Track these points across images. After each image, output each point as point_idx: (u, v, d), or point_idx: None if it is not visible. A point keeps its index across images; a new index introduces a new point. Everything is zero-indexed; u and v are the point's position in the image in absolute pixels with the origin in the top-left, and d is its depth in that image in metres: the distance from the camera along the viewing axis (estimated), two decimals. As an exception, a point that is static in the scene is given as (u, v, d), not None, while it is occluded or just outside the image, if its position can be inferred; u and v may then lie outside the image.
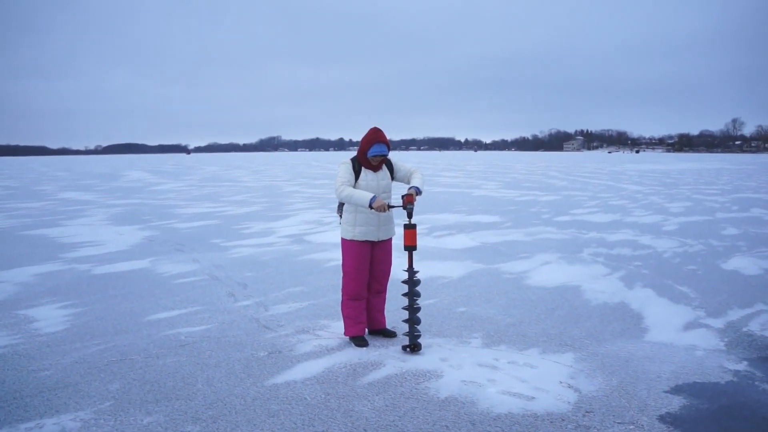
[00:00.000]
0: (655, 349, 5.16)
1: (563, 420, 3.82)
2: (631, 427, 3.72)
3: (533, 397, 4.17)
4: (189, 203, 19.78)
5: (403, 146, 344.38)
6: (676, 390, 4.28)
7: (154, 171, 49.79)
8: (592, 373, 4.62)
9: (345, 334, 5.38)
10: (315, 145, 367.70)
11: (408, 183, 5.39)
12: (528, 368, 4.71)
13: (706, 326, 5.82)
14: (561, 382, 4.43)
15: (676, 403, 4.07)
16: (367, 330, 5.60)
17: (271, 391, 4.29)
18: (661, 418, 3.83)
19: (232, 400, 4.15)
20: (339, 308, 5.43)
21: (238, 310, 6.45)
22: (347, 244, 5.29)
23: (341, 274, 5.39)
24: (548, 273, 8.29)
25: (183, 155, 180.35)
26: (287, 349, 5.20)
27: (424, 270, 8.25)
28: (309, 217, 15.55)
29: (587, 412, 3.93)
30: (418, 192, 5.17)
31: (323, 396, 4.21)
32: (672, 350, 5.14)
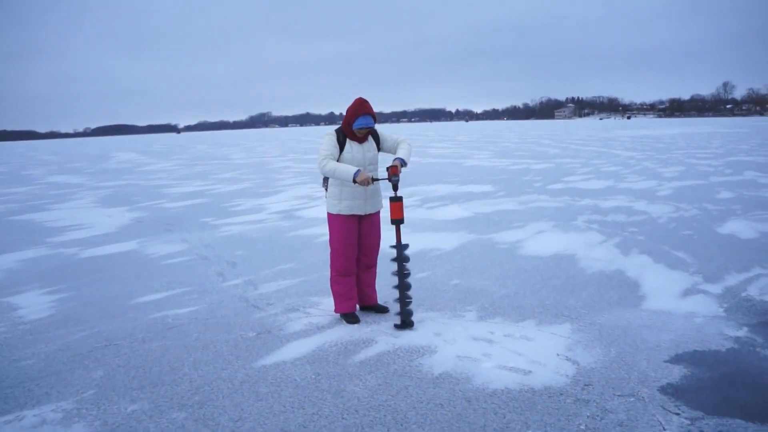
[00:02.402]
0: (654, 318, 5.04)
1: (561, 394, 3.70)
2: (632, 399, 3.61)
3: (530, 371, 4.05)
4: (178, 183, 19.53)
5: (394, 119, 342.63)
6: (676, 359, 4.17)
7: (143, 151, 49.29)
8: (589, 344, 4.50)
9: (335, 311, 5.24)
10: (306, 120, 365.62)
11: (395, 154, 5.20)
12: (524, 341, 4.59)
13: (705, 292, 5.71)
14: (558, 355, 4.31)
15: (676, 372, 3.96)
16: (358, 306, 5.47)
17: (260, 373, 4.15)
18: (662, 389, 3.72)
19: (219, 384, 4.01)
20: (329, 285, 5.29)
21: (226, 290, 6.30)
22: (333, 219, 5.12)
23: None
24: (543, 242, 8.16)
25: (173, 135, 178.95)
26: (276, 328, 5.07)
27: (416, 242, 8.12)
28: (299, 192, 15.35)
29: (586, 385, 3.82)
30: (403, 163, 4.98)
31: (313, 376, 4.08)
32: (670, 318, 5.03)
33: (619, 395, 3.66)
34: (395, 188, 4.89)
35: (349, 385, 3.94)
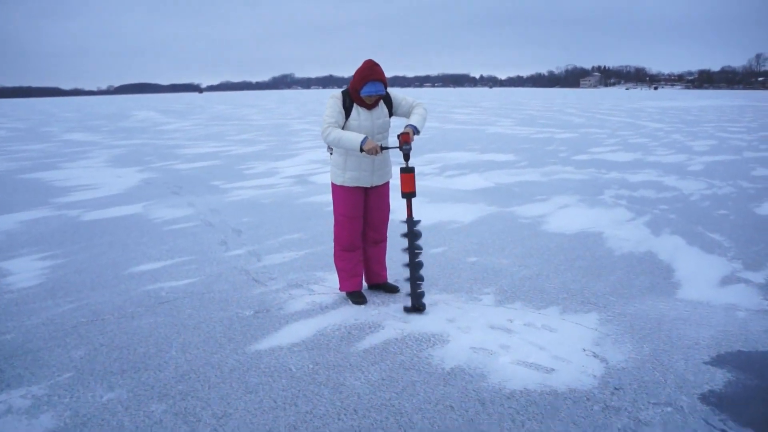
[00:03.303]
0: (690, 309, 4.57)
1: (588, 399, 3.26)
2: (669, 409, 3.16)
3: (553, 369, 3.61)
4: (193, 143, 19.15)
5: (417, 83, 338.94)
6: (719, 361, 3.71)
7: (163, 110, 48.94)
8: (619, 338, 4.05)
9: (340, 289, 4.82)
10: (329, 82, 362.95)
11: (408, 119, 4.66)
12: (546, 332, 4.15)
13: (746, 281, 5.21)
14: (584, 350, 3.87)
15: (719, 378, 3.50)
16: (366, 284, 5.05)
17: (253, 360, 3.77)
18: (704, 398, 3.26)
19: (206, 371, 3.63)
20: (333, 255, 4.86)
21: (228, 261, 5.91)
22: (337, 190, 4.65)
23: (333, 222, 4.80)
24: (567, 218, 7.66)
25: (195, 94, 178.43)
26: (276, 307, 4.67)
27: (432, 214, 7.67)
28: (315, 156, 14.90)
29: (616, 389, 3.38)
30: (416, 131, 4.46)
31: (311, 366, 3.68)
32: (709, 310, 4.55)
33: (654, 403, 3.22)
34: (407, 158, 4.41)
35: (350, 378, 3.54)
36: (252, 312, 4.57)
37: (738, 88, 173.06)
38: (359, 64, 4.41)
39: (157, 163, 14.00)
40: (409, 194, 4.41)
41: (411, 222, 4.45)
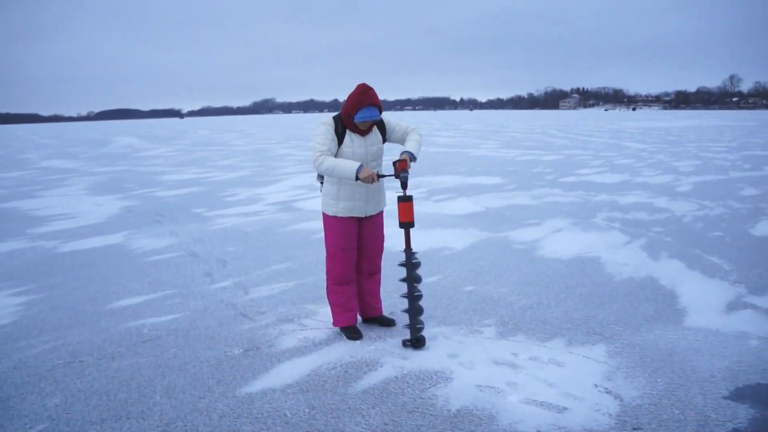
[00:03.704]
0: (700, 338, 4.38)
1: (607, 443, 3.04)
2: (695, 452, 2.95)
3: (565, 408, 3.39)
4: (175, 169, 18.85)
5: (398, 106, 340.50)
6: (738, 395, 3.51)
7: (144, 136, 48.49)
8: (631, 372, 3.84)
9: (333, 324, 4.57)
10: (309, 106, 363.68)
11: (403, 145, 4.46)
12: (554, 366, 3.93)
13: (753, 306, 5.04)
14: (596, 386, 3.65)
15: (742, 414, 3.29)
16: (360, 318, 4.81)
17: (244, 405, 3.50)
18: (730, 439, 3.06)
19: (194, 418, 3.36)
20: (326, 294, 4.62)
21: (213, 294, 5.64)
22: (330, 221, 4.43)
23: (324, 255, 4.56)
24: (562, 242, 7.49)
25: (176, 119, 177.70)
26: (266, 344, 4.41)
27: (424, 240, 7.45)
28: (299, 181, 14.67)
29: (635, 429, 3.16)
30: (413, 158, 4.28)
31: (307, 410, 3.42)
32: (720, 339, 4.36)
33: (678, 446, 3.01)
34: (404, 186, 4.20)
35: (350, 423, 3.28)
36: (241, 350, 4.31)
37: (714, 108, 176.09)
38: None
39: (138, 191, 13.69)
40: (407, 224, 4.19)
41: (410, 253, 4.22)
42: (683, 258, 6.62)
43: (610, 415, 3.31)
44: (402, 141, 4.48)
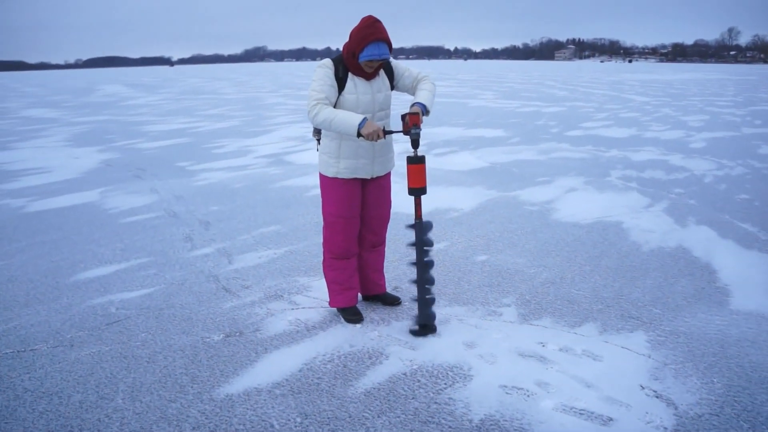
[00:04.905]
0: (753, 325, 3.79)
1: (671, 472, 2.46)
2: (782, 486, 2.37)
3: (610, 419, 2.80)
4: (161, 119, 17.98)
5: (391, 56, 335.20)
6: (817, 403, 2.93)
7: (131, 84, 47.03)
8: (680, 368, 3.25)
9: (330, 304, 3.94)
10: (302, 54, 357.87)
11: (413, 95, 3.74)
12: (589, 360, 3.34)
13: (805, 284, 4.45)
14: (642, 387, 3.06)
15: (828, 431, 2.72)
16: (361, 296, 4.18)
17: (223, 411, 2.89)
18: (823, 467, 2.48)
19: (161, 429, 2.76)
20: (322, 269, 3.97)
21: (193, 263, 5.01)
22: (329, 184, 3.73)
23: (322, 223, 3.89)
24: (577, 204, 6.85)
25: (166, 67, 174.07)
26: (251, 328, 3.79)
27: (428, 200, 6.74)
28: (292, 132, 13.90)
29: (701, 451, 2.58)
30: (425, 111, 3.58)
31: (299, 420, 2.82)
32: (777, 326, 3.77)
33: (759, 476, 2.43)
34: (415, 145, 3.52)
35: (351, 438, 2.69)
36: (221, 336, 3.69)
37: (711, 62, 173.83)
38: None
39: (119, 142, 12.91)
40: (418, 190, 3.50)
41: (421, 226, 3.55)
42: (713, 225, 6.01)
43: (665, 428, 2.73)
44: (411, 90, 3.77)
